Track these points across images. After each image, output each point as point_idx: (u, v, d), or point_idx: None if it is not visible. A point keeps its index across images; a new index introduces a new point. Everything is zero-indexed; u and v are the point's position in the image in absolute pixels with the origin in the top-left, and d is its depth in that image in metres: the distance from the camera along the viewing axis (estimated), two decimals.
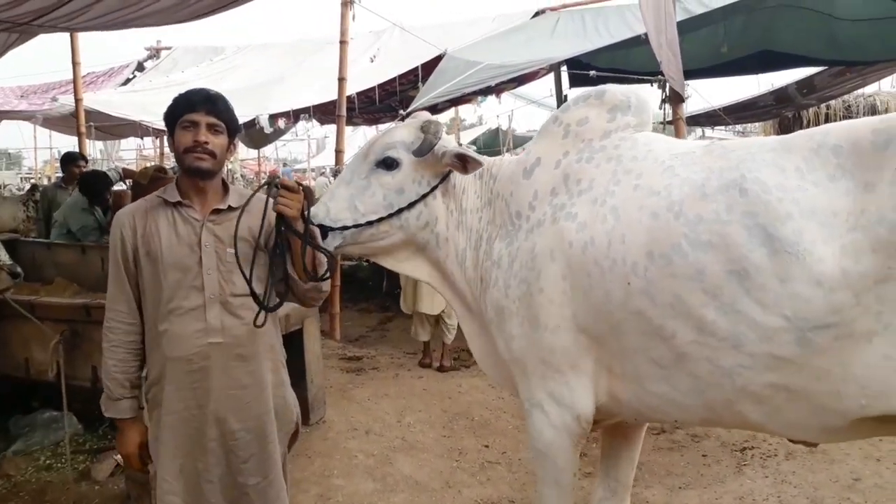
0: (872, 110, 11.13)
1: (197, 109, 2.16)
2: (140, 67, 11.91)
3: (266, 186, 2.20)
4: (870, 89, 11.05)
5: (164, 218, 2.21)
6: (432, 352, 5.90)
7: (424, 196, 2.44)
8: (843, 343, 1.78)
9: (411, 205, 2.43)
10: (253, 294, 2.17)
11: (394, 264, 2.60)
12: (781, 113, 11.34)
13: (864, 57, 8.08)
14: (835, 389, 1.83)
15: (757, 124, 14.43)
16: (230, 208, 2.25)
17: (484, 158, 2.52)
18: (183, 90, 2.27)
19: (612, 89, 2.36)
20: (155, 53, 12.02)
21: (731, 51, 7.77)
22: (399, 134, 2.47)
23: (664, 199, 2.02)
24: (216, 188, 2.27)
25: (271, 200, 2.16)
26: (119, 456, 3.67)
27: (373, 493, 3.68)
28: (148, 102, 9.44)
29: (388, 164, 2.43)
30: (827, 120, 11.38)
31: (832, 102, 11.10)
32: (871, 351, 1.77)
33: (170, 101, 2.23)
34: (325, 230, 2.41)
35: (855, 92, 10.83)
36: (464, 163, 2.38)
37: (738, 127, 16.86)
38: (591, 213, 2.14)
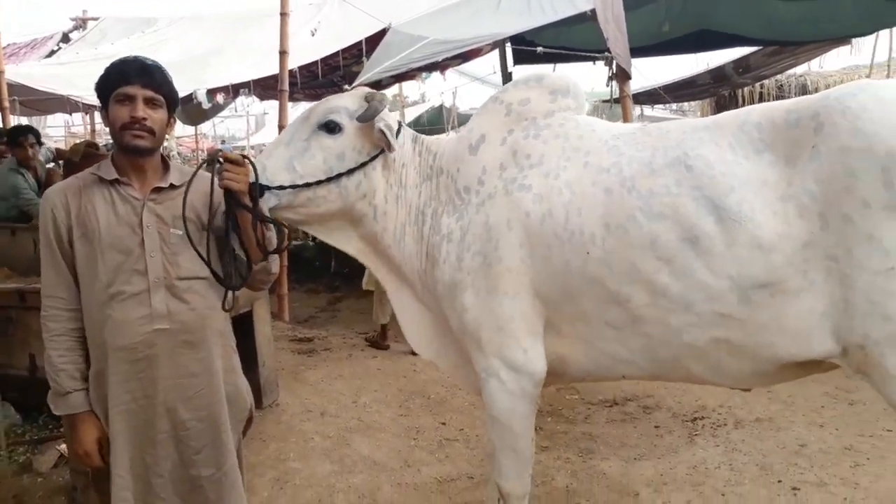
0: (803, 89, 11.53)
1: (132, 82, 2.02)
2: (65, 39, 11.26)
3: (209, 163, 2.11)
4: (801, 69, 11.42)
5: (100, 196, 2.07)
6: (388, 331, 5.84)
7: (364, 164, 2.43)
8: (777, 299, 1.99)
9: (351, 171, 2.42)
10: (214, 273, 2.09)
11: (325, 234, 2.58)
12: (718, 91, 11.63)
13: (797, 37, 8.35)
14: (769, 340, 2.05)
15: (694, 103, 14.78)
16: (172, 186, 2.14)
17: (419, 137, 2.60)
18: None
19: (551, 74, 2.50)
20: (81, 24, 11.40)
21: (672, 29, 7.90)
22: (343, 100, 2.47)
23: (615, 176, 2.18)
24: (156, 165, 2.15)
25: (216, 178, 2.07)
26: (63, 446, 3.52)
27: (330, 474, 3.64)
28: (76, 75, 8.94)
29: (331, 127, 2.42)
30: (761, 98, 11.73)
31: (766, 82, 11.44)
32: (800, 305, 1.98)
33: (101, 73, 2.08)
34: (261, 189, 2.31)
35: (787, 72, 11.18)
36: (386, 140, 2.40)
37: (675, 105, 17.24)
38: (545, 186, 2.25)
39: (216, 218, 2.14)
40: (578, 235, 2.17)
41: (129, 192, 2.09)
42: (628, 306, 2.15)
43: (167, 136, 2.28)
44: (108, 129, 2.17)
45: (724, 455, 3.72)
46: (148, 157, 2.11)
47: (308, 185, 2.38)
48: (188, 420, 2.12)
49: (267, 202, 2.34)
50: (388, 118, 2.43)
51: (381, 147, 2.44)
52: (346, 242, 2.59)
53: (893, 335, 1.84)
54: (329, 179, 2.40)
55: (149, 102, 2.04)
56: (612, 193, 2.15)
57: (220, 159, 2.11)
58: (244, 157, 2.20)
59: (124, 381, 2.06)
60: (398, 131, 2.49)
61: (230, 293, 2.14)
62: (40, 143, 5.83)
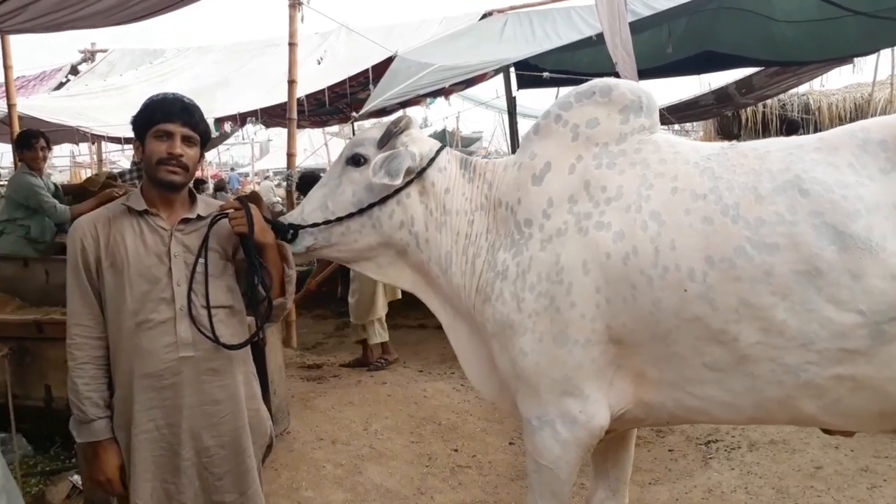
0: (806, 108, 11.61)
1: (173, 119, 2.10)
2: (74, 71, 11.39)
3: (218, 217, 2.17)
4: (803, 88, 11.49)
5: (129, 227, 2.13)
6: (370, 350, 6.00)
7: (396, 193, 2.38)
8: None
9: (383, 201, 2.38)
10: (209, 310, 2.12)
11: (377, 272, 2.55)
12: (722, 112, 11.69)
13: (799, 57, 8.41)
14: None
15: (697, 123, 14.85)
16: (199, 217, 2.20)
17: (470, 161, 2.47)
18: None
19: (620, 86, 2.25)
20: (89, 56, 11.52)
21: (676, 51, 7.97)
22: (370, 132, 2.50)
23: (714, 203, 2.00)
24: (183, 198, 2.23)
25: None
26: (76, 478, 3.51)
27: (344, 502, 3.61)
28: (85, 107, 9.07)
29: (357, 160, 2.43)
30: (764, 118, 11.82)
31: (769, 101, 11.51)
32: None
33: (129, 105, 2.17)
34: (295, 229, 2.41)
35: (790, 91, 11.25)
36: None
37: (677, 126, 17.29)
38: (627, 222, 2.07)
39: (239, 251, 2.21)
40: (673, 271, 1.98)
41: (158, 223, 2.15)
42: (735, 346, 1.97)
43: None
44: (137, 160, 2.21)
45: (740, 478, 3.68)
46: (178, 191, 2.18)
47: (340, 219, 2.39)
48: (212, 447, 2.15)
49: (303, 242, 2.42)
50: (412, 141, 2.40)
51: (414, 173, 2.37)
52: (399, 277, 2.52)
53: None
54: (361, 212, 2.38)
55: (185, 140, 2.12)
56: (713, 223, 1.97)
57: (225, 212, 2.17)
58: (240, 200, 2.26)
59: (149, 408, 2.09)
60: (437, 153, 2.43)
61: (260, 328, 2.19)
62: (49, 149, 5.65)
